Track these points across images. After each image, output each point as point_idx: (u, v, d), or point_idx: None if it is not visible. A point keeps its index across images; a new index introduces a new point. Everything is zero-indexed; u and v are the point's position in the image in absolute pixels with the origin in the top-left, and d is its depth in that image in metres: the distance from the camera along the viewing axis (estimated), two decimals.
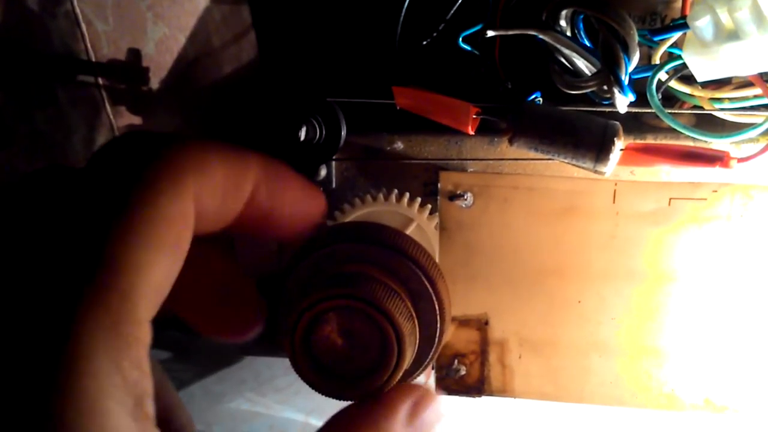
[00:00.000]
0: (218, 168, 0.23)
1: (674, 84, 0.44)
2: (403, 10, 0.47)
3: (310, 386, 0.28)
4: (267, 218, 0.26)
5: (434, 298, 0.30)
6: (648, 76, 0.43)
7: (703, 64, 0.39)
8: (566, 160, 0.43)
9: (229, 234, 0.25)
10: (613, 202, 0.49)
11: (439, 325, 0.30)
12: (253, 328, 0.29)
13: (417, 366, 0.31)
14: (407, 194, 0.50)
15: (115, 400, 0.17)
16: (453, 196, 0.50)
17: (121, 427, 0.17)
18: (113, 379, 0.17)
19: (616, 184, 0.49)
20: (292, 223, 0.27)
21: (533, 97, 0.46)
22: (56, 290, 0.18)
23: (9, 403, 0.16)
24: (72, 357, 0.17)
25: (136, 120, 0.55)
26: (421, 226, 0.50)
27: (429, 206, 0.50)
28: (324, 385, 0.28)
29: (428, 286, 0.30)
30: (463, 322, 0.53)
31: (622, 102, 0.42)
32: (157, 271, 0.19)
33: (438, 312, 0.30)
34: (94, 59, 0.54)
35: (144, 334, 0.19)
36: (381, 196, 0.50)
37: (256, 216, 0.25)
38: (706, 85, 0.43)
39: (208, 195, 0.22)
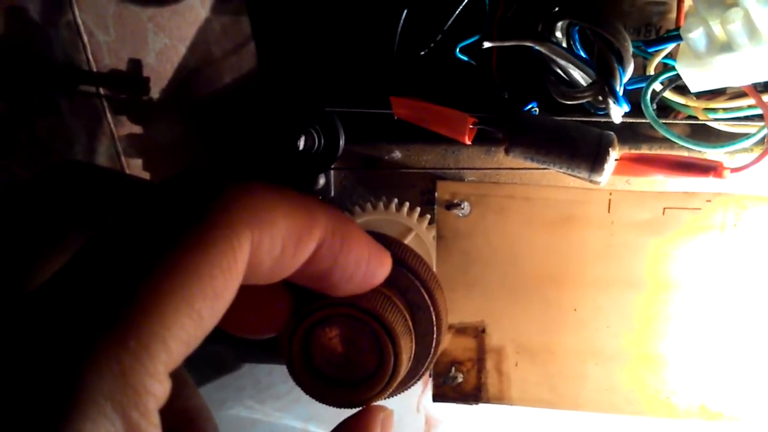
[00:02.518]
0: (282, 221, 0.21)
1: (668, 94, 0.44)
2: (401, 21, 0.47)
3: (306, 393, 0.28)
4: (324, 278, 0.24)
5: (431, 307, 0.30)
6: (642, 87, 0.43)
7: (696, 75, 0.39)
8: (562, 170, 0.44)
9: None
10: (608, 212, 0.49)
11: (435, 334, 0.31)
12: (274, 327, 0.28)
13: (414, 374, 0.31)
14: (406, 203, 0.50)
15: None
16: (450, 205, 0.51)
17: None
18: (115, 428, 0.16)
19: (611, 194, 0.49)
20: (351, 286, 0.25)
21: (529, 107, 0.46)
22: (72, 324, 0.17)
23: None
24: (75, 403, 0.16)
25: (137, 129, 0.56)
26: (418, 234, 0.50)
27: (428, 217, 0.51)
28: (321, 393, 0.28)
29: (425, 295, 0.30)
30: (460, 330, 0.53)
31: (617, 112, 0.42)
32: (188, 323, 0.18)
33: (435, 321, 0.30)
34: (95, 69, 0.54)
35: (157, 387, 0.17)
36: (380, 204, 0.50)
37: (314, 274, 0.23)
38: (700, 95, 0.43)
39: (265, 249, 0.20)
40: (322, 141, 0.50)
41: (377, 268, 0.26)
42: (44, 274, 0.21)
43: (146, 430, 0.17)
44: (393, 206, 0.50)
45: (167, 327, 0.18)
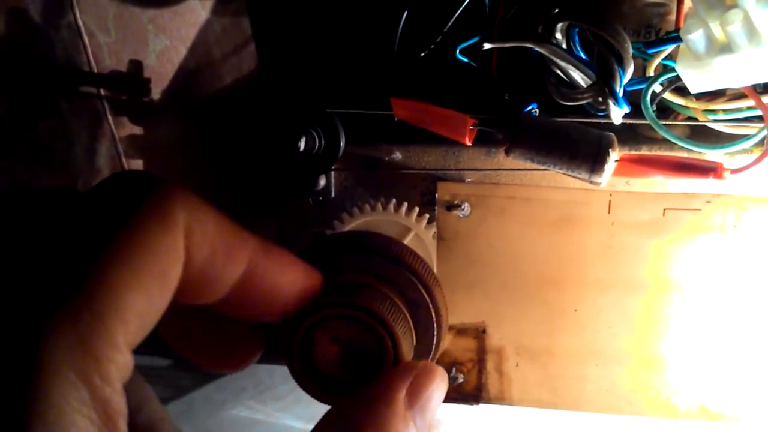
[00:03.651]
0: (212, 223, 0.23)
1: (668, 96, 0.44)
2: (401, 23, 0.47)
3: (307, 393, 0.28)
4: (263, 295, 0.25)
5: (431, 307, 0.30)
6: (642, 88, 0.43)
7: (696, 77, 0.39)
8: (562, 171, 0.44)
9: (225, 308, 0.25)
10: (609, 213, 0.49)
11: (436, 334, 0.31)
12: (245, 362, 0.28)
13: None
14: (405, 204, 0.50)
15: (82, 415, 0.17)
16: (450, 206, 0.51)
17: None
18: (80, 394, 0.17)
19: (611, 195, 0.49)
20: (286, 298, 0.26)
21: (529, 108, 0.47)
22: (29, 305, 0.18)
23: None
24: (38, 369, 0.17)
25: (138, 130, 0.56)
26: (419, 235, 0.50)
27: (427, 216, 0.51)
28: (321, 392, 0.28)
29: (426, 295, 0.30)
30: (461, 331, 0.53)
31: (617, 113, 0.42)
32: (138, 298, 0.19)
33: (435, 321, 0.31)
34: (96, 70, 0.54)
35: (118, 355, 0.19)
36: (379, 205, 0.50)
37: (251, 293, 0.25)
38: (700, 96, 0.44)
39: (198, 240, 0.22)
40: (323, 142, 0.50)
41: (310, 280, 0.27)
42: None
43: (110, 397, 0.18)
44: (391, 206, 0.50)
45: (119, 299, 0.19)
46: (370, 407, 0.25)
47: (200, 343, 0.26)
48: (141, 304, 0.19)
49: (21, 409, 0.16)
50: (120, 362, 0.19)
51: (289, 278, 0.26)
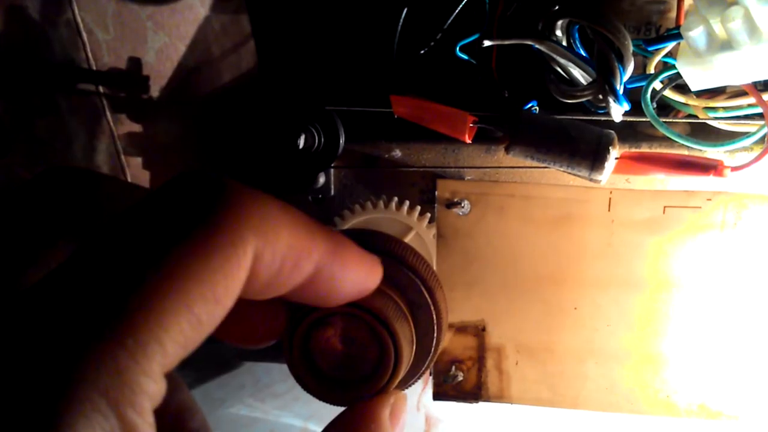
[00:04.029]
0: (285, 236, 0.21)
1: (669, 93, 0.44)
2: (401, 20, 0.47)
3: (306, 391, 0.28)
4: (322, 294, 0.24)
5: (432, 305, 0.30)
6: (643, 86, 0.43)
7: (696, 74, 0.39)
8: (562, 169, 0.44)
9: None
10: (609, 210, 0.49)
11: (436, 333, 0.31)
12: (269, 338, 0.28)
13: (414, 372, 0.31)
14: (407, 202, 0.50)
15: None
16: (450, 204, 0.51)
17: None
18: (111, 426, 0.16)
19: (611, 193, 0.49)
20: (342, 298, 0.25)
21: (529, 106, 0.46)
22: (70, 324, 0.17)
23: None
24: (70, 394, 0.16)
25: (137, 128, 0.56)
26: (418, 233, 0.50)
27: (427, 214, 0.51)
28: (321, 391, 0.28)
29: (426, 293, 0.30)
30: (461, 329, 0.53)
31: (617, 111, 0.42)
32: (186, 326, 0.18)
33: (435, 319, 0.30)
34: (94, 68, 0.54)
35: (153, 385, 0.17)
36: (381, 203, 0.50)
37: (310, 294, 0.23)
38: (701, 94, 0.43)
39: (266, 262, 0.20)
40: (322, 139, 0.50)
41: (370, 282, 0.26)
42: (33, 278, 0.21)
43: (141, 429, 0.17)
44: (393, 205, 0.50)
45: (165, 328, 0.17)
46: (361, 421, 0.26)
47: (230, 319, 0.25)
48: (187, 333, 0.18)
49: None
50: (154, 391, 0.18)
51: (351, 280, 0.25)
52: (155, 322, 0.17)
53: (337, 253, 0.23)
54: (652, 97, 0.43)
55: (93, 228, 0.23)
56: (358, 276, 0.25)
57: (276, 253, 0.20)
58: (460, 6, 0.46)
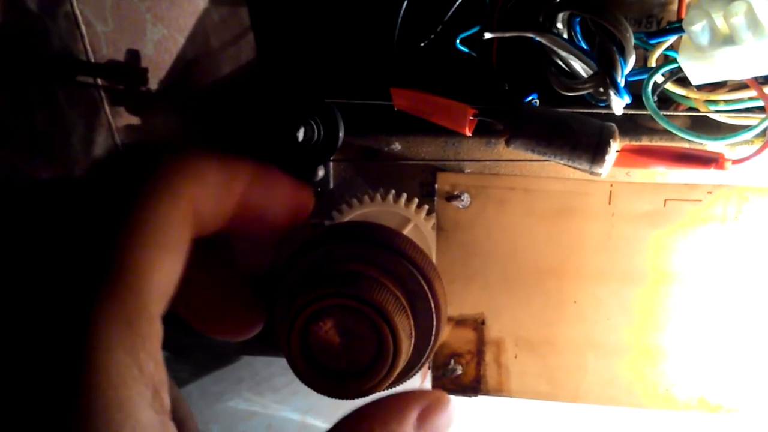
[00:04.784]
0: (211, 174, 0.24)
1: (670, 86, 0.44)
2: (401, 12, 0.47)
3: (305, 384, 0.28)
4: (259, 216, 0.27)
5: (431, 298, 0.30)
6: (644, 79, 0.43)
7: (698, 68, 0.39)
8: (562, 162, 0.44)
9: (227, 234, 0.26)
10: (609, 203, 0.49)
11: (435, 326, 0.31)
12: (252, 327, 0.30)
13: (412, 366, 0.31)
14: (404, 195, 0.50)
15: (136, 391, 0.18)
16: (450, 197, 0.51)
17: (143, 418, 0.18)
18: (132, 371, 0.18)
19: (611, 186, 0.49)
20: (283, 218, 0.28)
21: (530, 98, 0.46)
22: (73, 292, 0.19)
23: (37, 397, 0.17)
24: (92, 351, 0.18)
25: (135, 120, 0.56)
26: (418, 226, 0.50)
27: (426, 207, 0.51)
28: (319, 383, 0.28)
29: (425, 286, 0.30)
30: (460, 322, 0.53)
31: (618, 104, 0.42)
32: (162, 271, 0.21)
33: (434, 312, 0.30)
34: (93, 60, 0.54)
35: (156, 329, 0.20)
36: (378, 196, 0.50)
37: (250, 215, 0.26)
38: (702, 87, 0.43)
39: (203, 199, 0.24)
40: (322, 132, 0.50)
41: (301, 195, 0.29)
42: None
43: (155, 371, 0.19)
44: (390, 197, 0.50)
45: (149, 274, 0.20)
46: (380, 422, 0.25)
47: (207, 311, 0.29)
48: (165, 276, 0.21)
49: (80, 391, 0.17)
50: (158, 335, 0.20)
51: (279, 200, 0.28)
52: (142, 271, 0.20)
53: (260, 176, 0.27)
54: (653, 91, 0.43)
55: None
56: (285, 195, 0.28)
57: (209, 190, 0.24)
58: None
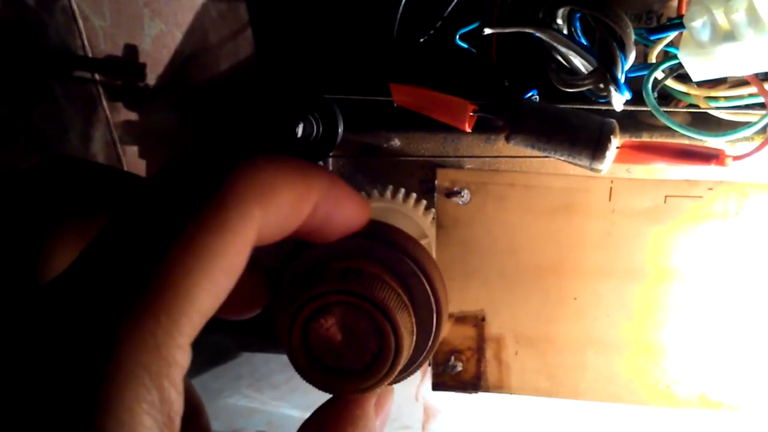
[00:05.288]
0: (284, 194, 0.23)
1: (670, 82, 0.44)
2: (401, 8, 0.47)
3: (306, 381, 0.28)
4: (317, 230, 0.26)
5: (431, 295, 0.30)
6: (644, 75, 0.43)
7: (698, 65, 0.39)
8: (563, 158, 0.44)
9: None
10: (609, 200, 0.49)
11: (435, 323, 0.31)
12: (257, 306, 0.29)
13: (413, 362, 0.31)
14: (402, 190, 0.50)
15: (151, 417, 0.18)
16: (450, 193, 0.51)
17: None
18: (152, 397, 0.18)
19: (612, 182, 0.49)
20: (340, 232, 0.27)
21: (530, 94, 0.46)
22: (104, 302, 0.18)
23: (53, 411, 0.17)
24: (114, 372, 0.17)
25: (133, 116, 0.55)
26: (418, 222, 0.50)
27: (423, 201, 0.50)
28: (320, 380, 0.28)
29: (426, 283, 0.30)
30: (460, 319, 0.53)
31: (619, 100, 0.42)
32: (207, 301, 0.20)
33: (435, 309, 0.30)
34: (90, 55, 0.54)
35: (185, 358, 0.19)
36: (375, 192, 0.50)
37: (308, 230, 0.25)
38: (702, 83, 0.43)
39: (271, 221, 0.22)
40: (321, 128, 0.49)
41: (360, 212, 0.28)
42: (47, 266, 0.23)
43: (175, 399, 0.19)
44: (388, 193, 0.50)
45: (192, 302, 0.19)
46: (348, 412, 0.28)
47: None
48: (208, 305, 0.20)
49: (94, 409, 0.17)
50: (184, 362, 0.19)
51: (343, 216, 0.27)
52: (184, 298, 0.19)
53: (331, 193, 0.25)
54: (654, 87, 0.43)
55: (90, 216, 0.25)
56: (350, 212, 0.27)
57: (279, 213, 0.22)
58: None
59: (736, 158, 0.42)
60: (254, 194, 0.21)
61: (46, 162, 0.25)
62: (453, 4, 0.47)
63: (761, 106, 0.43)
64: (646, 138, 0.48)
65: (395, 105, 0.47)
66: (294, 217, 0.24)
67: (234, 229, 0.20)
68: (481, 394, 0.54)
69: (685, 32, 0.39)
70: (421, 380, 0.62)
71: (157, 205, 0.20)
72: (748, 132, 0.43)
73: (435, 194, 0.51)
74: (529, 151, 0.44)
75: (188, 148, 0.22)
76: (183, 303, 0.19)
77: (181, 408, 0.19)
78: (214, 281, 0.20)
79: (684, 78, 0.43)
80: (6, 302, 0.21)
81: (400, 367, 0.28)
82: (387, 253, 0.30)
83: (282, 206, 0.22)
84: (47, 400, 0.17)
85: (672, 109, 0.46)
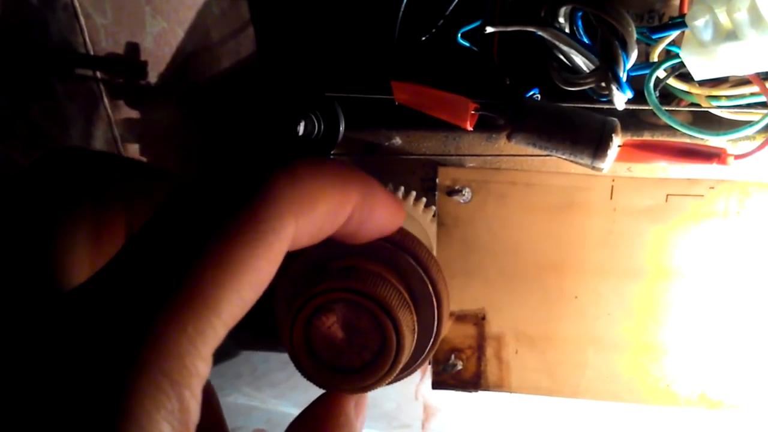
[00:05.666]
0: (322, 203, 0.22)
1: (672, 81, 0.44)
2: (402, 6, 0.47)
3: (307, 379, 0.28)
4: (351, 234, 0.26)
5: (433, 294, 0.30)
6: (646, 74, 0.43)
7: (700, 64, 0.39)
8: (564, 156, 0.43)
9: None
10: (611, 198, 0.49)
11: (436, 321, 0.30)
12: None
13: (413, 361, 0.31)
14: (401, 188, 0.50)
15: (170, 425, 0.18)
16: (451, 192, 0.51)
17: None
18: (172, 405, 0.18)
19: (613, 180, 0.49)
20: (371, 236, 0.27)
21: (531, 93, 0.46)
22: (133, 305, 0.18)
23: (74, 411, 0.17)
24: (137, 378, 0.17)
25: (134, 114, 0.55)
26: (418, 221, 0.50)
27: (423, 198, 0.50)
28: (321, 378, 0.28)
29: (427, 282, 0.30)
30: (460, 317, 0.53)
31: (620, 99, 0.42)
32: (234, 311, 0.19)
33: (436, 308, 0.30)
34: (92, 53, 0.54)
35: (205, 369, 0.19)
36: None
37: (341, 234, 0.25)
38: (704, 82, 0.43)
39: (305, 232, 0.22)
40: (322, 126, 0.49)
41: (395, 217, 0.28)
42: (65, 254, 0.23)
43: (193, 408, 0.19)
44: (390, 191, 0.50)
45: (219, 315, 0.19)
46: (331, 413, 0.28)
47: None
48: (235, 315, 0.20)
49: (117, 411, 0.17)
50: (205, 373, 0.19)
51: (378, 221, 0.26)
52: (212, 309, 0.19)
53: (368, 199, 0.25)
54: (655, 86, 0.43)
55: (100, 206, 0.25)
56: (384, 219, 0.27)
57: (314, 224, 0.22)
58: None
59: (737, 157, 0.42)
60: (290, 206, 0.21)
61: (53, 154, 0.25)
62: (455, 2, 0.47)
63: (763, 105, 0.43)
64: (647, 137, 0.48)
65: (396, 103, 0.47)
66: (328, 227, 0.23)
67: (267, 243, 0.20)
68: (481, 393, 0.55)
69: (687, 31, 0.39)
70: (421, 379, 0.62)
71: (191, 214, 0.20)
72: (749, 131, 0.43)
73: (436, 192, 0.51)
74: (530, 150, 0.44)
75: (225, 154, 0.23)
76: (210, 315, 0.19)
77: (198, 418, 0.19)
78: (242, 294, 0.19)
79: (686, 77, 0.43)
80: (27, 294, 0.21)
81: (401, 366, 0.28)
82: (388, 252, 0.30)
83: (318, 217, 0.22)
84: (69, 401, 0.17)
85: (674, 108, 0.46)
